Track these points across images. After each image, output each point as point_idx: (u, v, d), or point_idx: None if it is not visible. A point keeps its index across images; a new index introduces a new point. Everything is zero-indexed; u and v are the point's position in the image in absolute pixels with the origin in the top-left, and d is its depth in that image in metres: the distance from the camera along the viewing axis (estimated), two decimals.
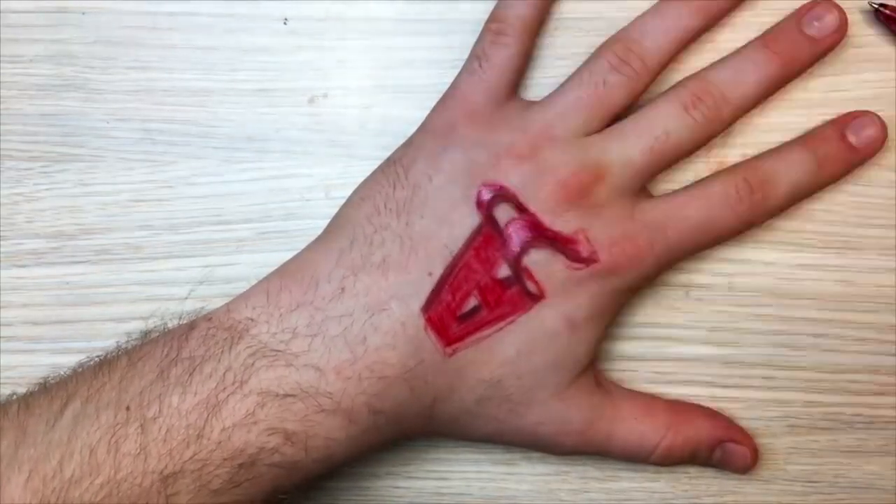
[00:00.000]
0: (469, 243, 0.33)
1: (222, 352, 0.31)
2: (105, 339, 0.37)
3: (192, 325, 0.32)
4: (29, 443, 0.30)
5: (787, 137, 0.36)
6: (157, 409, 0.30)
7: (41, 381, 0.32)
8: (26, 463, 0.29)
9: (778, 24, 0.35)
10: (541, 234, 0.33)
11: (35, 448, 0.29)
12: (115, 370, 0.31)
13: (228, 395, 0.30)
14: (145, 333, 0.33)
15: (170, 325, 0.33)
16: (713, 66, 0.35)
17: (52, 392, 0.31)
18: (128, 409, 0.30)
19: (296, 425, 0.31)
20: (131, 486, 0.29)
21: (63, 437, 0.30)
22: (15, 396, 0.32)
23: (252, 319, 0.32)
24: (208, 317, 0.33)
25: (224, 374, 0.31)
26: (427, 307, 0.32)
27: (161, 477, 0.29)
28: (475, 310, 0.32)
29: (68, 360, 0.34)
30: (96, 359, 0.32)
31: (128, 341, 0.33)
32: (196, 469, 0.30)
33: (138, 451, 0.29)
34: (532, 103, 0.35)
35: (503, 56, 0.34)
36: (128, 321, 0.38)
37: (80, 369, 0.32)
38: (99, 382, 0.31)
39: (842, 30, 0.35)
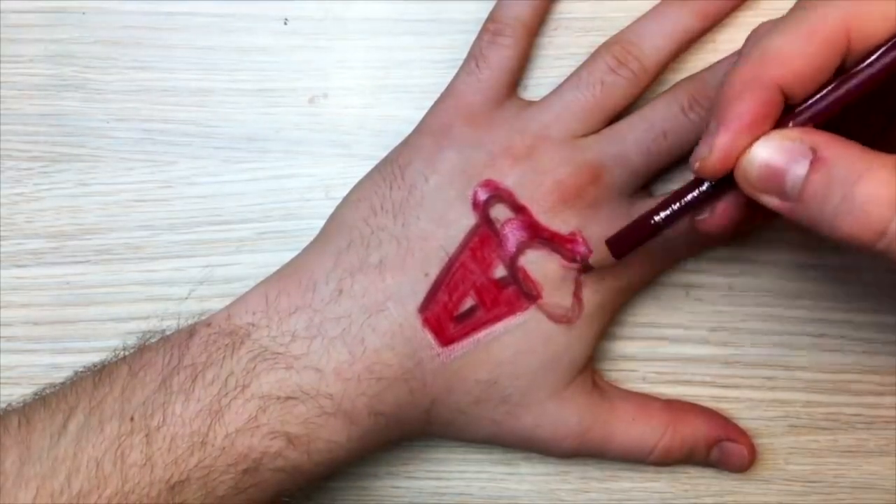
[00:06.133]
0: (465, 243, 0.33)
1: (224, 357, 0.31)
2: (105, 340, 0.37)
3: (191, 332, 0.32)
4: (34, 459, 0.29)
5: None
6: (161, 419, 0.30)
7: (38, 393, 0.32)
8: (33, 480, 0.29)
9: None
10: (537, 234, 0.33)
11: (40, 464, 0.29)
12: (116, 380, 0.31)
13: (231, 401, 0.30)
14: (142, 338, 0.33)
15: (167, 324, 0.33)
16: (711, 67, 0.35)
17: (53, 405, 0.31)
18: (132, 419, 0.30)
19: (298, 428, 0.31)
20: (139, 496, 0.29)
21: (69, 451, 0.29)
22: (11, 408, 0.32)
23: (253, 324, 0.32)
24: (208, 322, 0.32)
25: (226, 379, 0.31)
26: (424, 308, 0.32)
27: (168, 486, 0.29)
28: (472, 310, 0.32)
29: (68, 360, 0.34)
30: (94, 368, 0.32)
31: (125, 348, 0.33)
32: (202, 476, 0.30)
33: (144, 461, 0.29)
34: (530, 103, 0.35)
35: (500, 57, 0.34)
36: (128, 321, 0.38)
37: (79, 380, 0.32)
38: (100, 394, 0.31)
39: None
